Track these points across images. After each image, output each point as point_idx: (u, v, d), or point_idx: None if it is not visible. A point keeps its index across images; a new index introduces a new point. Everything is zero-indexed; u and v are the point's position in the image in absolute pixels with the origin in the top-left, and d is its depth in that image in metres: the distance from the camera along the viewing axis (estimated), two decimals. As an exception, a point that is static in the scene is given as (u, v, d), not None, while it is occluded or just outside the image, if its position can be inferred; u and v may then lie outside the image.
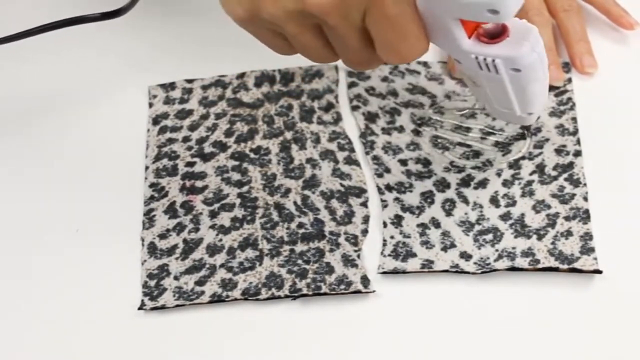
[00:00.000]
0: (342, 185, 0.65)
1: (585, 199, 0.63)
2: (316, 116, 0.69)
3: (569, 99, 0.69)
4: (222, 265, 0.62)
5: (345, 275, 0.61)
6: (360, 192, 0.65)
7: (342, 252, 0.62)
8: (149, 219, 0.65)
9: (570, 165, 0.65)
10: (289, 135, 0.68)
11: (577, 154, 0.66)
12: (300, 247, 0.62)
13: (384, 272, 0.61)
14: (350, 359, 0.59)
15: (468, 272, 0.61)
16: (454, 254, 0.62)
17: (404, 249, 0.62)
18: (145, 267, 0.62)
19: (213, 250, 0.63)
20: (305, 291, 0.60)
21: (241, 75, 0.72)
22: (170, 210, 0.65)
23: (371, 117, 0.69)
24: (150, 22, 0.76)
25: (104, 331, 0.61)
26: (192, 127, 0.69)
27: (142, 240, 0.64)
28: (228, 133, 0.69)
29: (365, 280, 0.61)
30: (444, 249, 0.62)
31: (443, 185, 0.65)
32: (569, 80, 0.69)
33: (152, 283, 0.62)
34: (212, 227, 0.64)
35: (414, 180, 0.65)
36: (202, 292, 0.61)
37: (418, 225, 0.63)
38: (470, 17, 0.54)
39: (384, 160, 0.66)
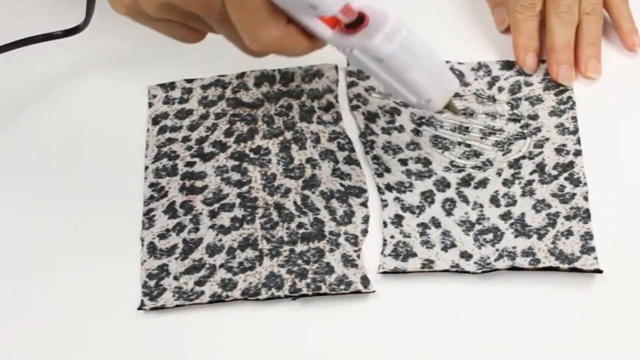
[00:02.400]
0: (342, 185, 0.65)
1: (586, 198, 0.63)
2: (316, 116, 0.69)
3: (569, 97, 0.69)
4: (221, 266, 0.62)
5: (345, 275, 0.61)
6: (360, 192, 0.65)
7: (342, 252, 0.62)
8: (148, 219, 0.65)
9: (571, 164, 0.65)
10: (288, 135, 0.68)
11: (578, 153, 0.66)
12: (300, 247, 0.62)
13: (384, 272, 0.61)
14: (350, 359, 0.59)
15: (468, 272, 0.61)
16: (455, 253, 0.62)
17: (404, 249, 0.62)
18: (145, 267, 0.62)
19: (213, 250, 0.63)
20: (305, 291, 0.60)
21: (241, 75, 0.72)
22: (170, 210, 0.65)
23: (371, 117, 0.69)
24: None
25: (103, 331, 0.60)
26: (192, 127, 0.69)
27: (142, 240, 0.64)
28: (228, 133, 0.69)
29: (365, 280, 0.61)
30: (444, 248, 0.62)
31: (443, 184, 0.65)
32: (569, 80, 0.70)
33: (152, 283, 0.61)
34: (212, 227, 0.64)
35: (414, 180, 0.65)
36: (202, 292, 0.61)
37: (418, 225, 0.63)
38: (298, 11, 0.55)
39: (384, 159, 0.66)
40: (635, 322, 0.59)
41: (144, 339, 0.60)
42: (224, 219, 0.64)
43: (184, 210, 0.65)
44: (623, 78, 0.70)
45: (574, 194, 0.64)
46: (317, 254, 0.62)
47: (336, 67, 0.72)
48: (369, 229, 0.63)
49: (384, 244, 0.62)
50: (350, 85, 0.70)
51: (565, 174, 0.65)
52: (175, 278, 0.62)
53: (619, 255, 0.61)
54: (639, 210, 0.63)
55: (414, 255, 0.62)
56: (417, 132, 0.68)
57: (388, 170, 0.66)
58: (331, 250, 0.62)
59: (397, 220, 0.63)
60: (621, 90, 0.69)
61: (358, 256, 0.62)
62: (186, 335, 0.60)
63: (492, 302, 0.60)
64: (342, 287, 0.60)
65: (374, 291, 0.60)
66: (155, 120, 0.70)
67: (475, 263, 0.61)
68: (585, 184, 0.64)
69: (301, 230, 0.63)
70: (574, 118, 0.67)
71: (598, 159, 0.65)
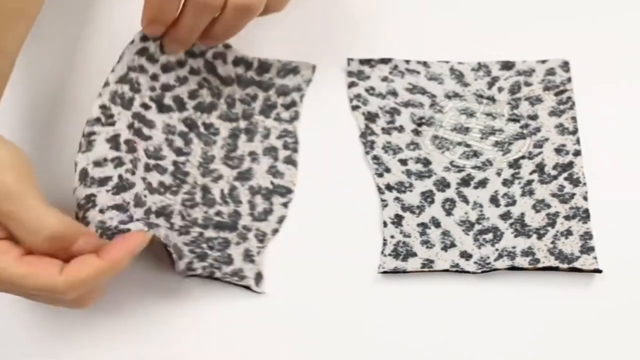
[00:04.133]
0: (272, 183, 0.65)
1: (585, 198, 0.63)
2: (275, 112, 0.69)
3: (569, 98, 0.69)
4: (138, 220, 0.59)
5: (241, 269, 0.61)
6: (287, 192, 0.65)
7: (246, 247, 0.62)
8: (88, 142, 0.61)
9: (570, 164, 0.65)
10: (242, 124, 0.68)
11: (577, 153, 0.66)
12: (209, 233, 0.62)
13: (385, 272, 0.61)
14: (351, 359, 0.59)
15: (468, 272, 0.61)
16: (454, 253, 0.62)
17: (404, 249, 0.62)
18: (75, 196, 0.59)
19: (138, 201, 0.61)
20: (199, 272, 0.60)
21: (227, 46, 0.70)
22: (113, 141, 0.61)
23: (371, 117, 0.69)
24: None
25: None
26: (165, 68, 0.67)
27: (75, 165, 0.60)
28: (192, 94, 0.67)
29: (258, 277, 0.61)
30: (444, 248, 0.62)
31: (443, 184, 0.65)
32: (569, 80, 0.69)
33: (81, 214, 0.59)
34: (143, 179, 0.62)
35: (414, 180, 0.65)
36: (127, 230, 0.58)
37: (418, 225, 0.63)
38: None
39: (384, 160, 0.67)
40: (635, 322, 0.59)
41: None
42: (154, 178, 0.63)
43: (126, 147, 0.62)
44: (623, 78, 0.70)
45: (574, 194, 0.64)
46: (223, 243, 0.62)
47: (313, 68, 0.71)
48: (280, 229, 0.63)
49: (384, 244, 0.62)
50: (351, 85, 0.70)
51: (565, 174, 0.65)
52: (101, 211, 0.59)
53: (619, 255, 0.61)
54: (638, 210, 0.63)
55: (414, 255, 0.62)
56: (417, 132, 0.68)
57: (388, 170, 0.66)
58: (237, 244, 0.62)
59: (397, 220, 0.63)
60: (621, 90, 0.69)
61: (258, 253, 0.62)
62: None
63: (492, 302, 0.60)
64: (235, 278, 0.60)
65: (263, 292, 0.61)
66: (143, 39, 0.66)
67: (475, 263, 0.61)
68: (584, 184, 0.64)
69: (217, 218, 0.63)
70: (574, 118, 0.68)
71: (597, 159, 0.65)
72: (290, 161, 0.67)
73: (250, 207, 0.64)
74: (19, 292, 0.54)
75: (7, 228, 0.53)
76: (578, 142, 0.66)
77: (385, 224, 0.63)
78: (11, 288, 0.53)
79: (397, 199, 0.64)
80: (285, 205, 0.65)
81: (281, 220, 0.64)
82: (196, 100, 0.68)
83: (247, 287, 0.61)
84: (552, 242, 0.62)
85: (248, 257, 0.62)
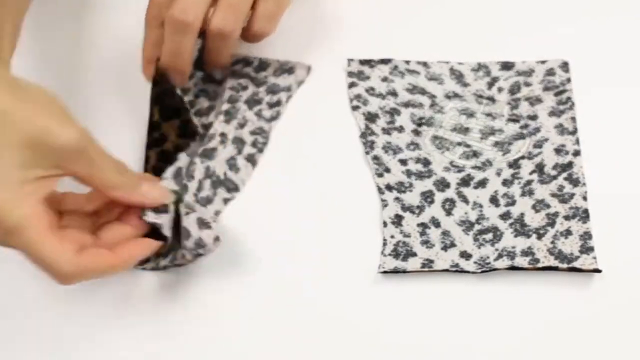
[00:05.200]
0: (225, 174, 0.65)
1: (585, 198, 0.63)
2: (258, 108, 0.69)
3: (569, 98, 0.69)
4: None
5: (200, 239, 0.59)
6: (234, 189, 0.65)
7: (198, 216, 0.60)
8: None
9: (570, 164, 0.65)
10: (225, 106, 0.68)
11: (577, 153, 0.66)
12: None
13: (385, 272, 0.61)
14: (349, 359, 0.59)
15: (468, 272, 0.61)
16: (454, 253, 0.62)
17: (404, 249, 0.62)
18: None
19: None
20: (165, 263, 0.60)
21: None
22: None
23: (371, 117, 0.69)
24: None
25: None
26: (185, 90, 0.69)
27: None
28: (191, 104, 0.68)
29: (216, 240, 0.59)
30: (444, 248, 0.62)
31: (443, 184, 0.65)
32: (568, 80, 0.70)
33: None
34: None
35: (414, 180, 0.65)
36: None
37: (418, 225, 0.63)
38: None
39: (384, 160, 0.67)
40: (634, 321, 0.59)
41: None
42: None
43: None
44: (622, 78, 0.70)
45: (573, 194, 0.64)
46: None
47: (308, 69, 0.71)
48: (216, 220, 0.63)
49: (384, 244, 0.63)
50: (351, 85, 0.70)
51: (565, 174, 0.65)
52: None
53: (618, 254, 0.61)
54: (638, 210, 0.63)
55: (414, 255, 0.62)
56: (417, 132, 0.68)
57: (388, 170, 0.66)
58: (187, 214, 0.60)
59: (397, 220, 0.64)
60: (620, 91, 0.69)
61: (214, 220, 0.61)
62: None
63: (491, 301, 0.60)
64: (200, 251, 0.59)
65: (219, 243, 0.59)
66: None
67: (475, 263, 0.61)
68: (584, 184, 0.64)
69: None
70: (573, 118, 0.68)
71: (597, 159, 0.66)
72: (252, 160, 0.66)
73: (197, 188, 0.63)
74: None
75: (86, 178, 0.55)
76: (577, 142, 0.66)
77: (385, 224, 0.63)
78: (22, 252, 0.53)
79: (397, 199, 0.65)
80: (225, 201, 0.64)
81: (216, 213, 0.63)
82: (195, 108, 0.68)
83: (202, 255, 0.59)
84: (552, 242, 0.62)
85: (204, 224, 0.59)
